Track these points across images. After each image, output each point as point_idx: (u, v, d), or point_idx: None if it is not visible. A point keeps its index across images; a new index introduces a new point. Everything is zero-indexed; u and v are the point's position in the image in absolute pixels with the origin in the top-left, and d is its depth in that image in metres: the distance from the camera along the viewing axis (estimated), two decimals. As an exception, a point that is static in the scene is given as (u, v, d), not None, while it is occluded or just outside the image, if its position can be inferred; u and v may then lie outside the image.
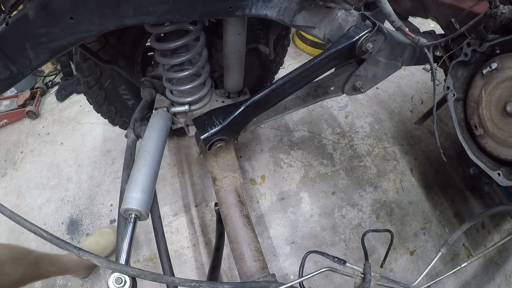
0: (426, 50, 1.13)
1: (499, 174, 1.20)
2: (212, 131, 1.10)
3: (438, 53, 1.37)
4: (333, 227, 1.93)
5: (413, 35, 1.07)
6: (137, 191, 0.95)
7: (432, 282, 1.05)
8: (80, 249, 0.70)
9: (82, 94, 1.94)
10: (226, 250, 1.47)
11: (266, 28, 1.66)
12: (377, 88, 2.73)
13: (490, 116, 1.26)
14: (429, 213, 2.03)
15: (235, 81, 1.50)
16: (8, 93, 2.68)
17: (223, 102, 1.58)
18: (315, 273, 0.81)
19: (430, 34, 1.46)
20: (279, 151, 2.28)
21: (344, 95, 1.38)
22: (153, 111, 1.41)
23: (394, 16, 1.00)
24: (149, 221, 1.01)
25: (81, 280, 1.71)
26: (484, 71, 1.25)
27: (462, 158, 2.23)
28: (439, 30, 1.48)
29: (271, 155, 2.25)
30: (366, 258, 0.90)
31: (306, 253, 0.90)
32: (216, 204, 1.30)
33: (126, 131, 1.31)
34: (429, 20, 1.69)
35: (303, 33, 3.03)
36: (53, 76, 2.96)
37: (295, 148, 2.30)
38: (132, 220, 0.90)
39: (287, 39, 1.91)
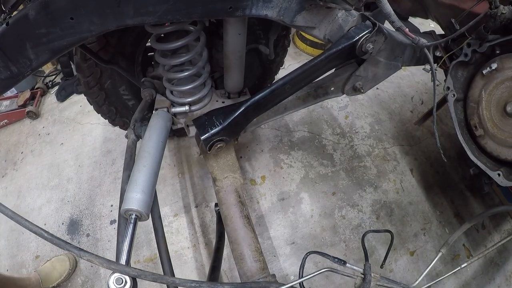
0: (426, 51, 1.13)
1: (499, 175, 1.20)
2: (212, 131, 1.10)
3: (438, 54, 1.36)
4: (333, 227, 1.93)
5: (413, 36, 1.07)
6: (137, 191, 0.96)
7: (432, 283, 1.05)
8: (80, 249, 0.70)
9: (82, 95, 1.95)
10: (226, 251, 1.47)
11: (266, 29, 1.66)
12: (377, 88, 2.73)
13: (490, 116, 1.26)
14: (429, 214, 2.03)
15: (235, 82, 1.50)
16: (9, 93, 2.69)
17: (223, 102, 1.57)
18: (315, 273, 0.81)
19: (430, 34, 1.45)
20: (279, 151, 2.28)
21: (344, 95, 1.38)
22: (153, 111, 1.41)
23: (394, 17, 1.00)
24: (149, 221, 1.01)
25: (82, 280, 1.71)
26: (484, 72, 1.25)
27: (462, 159, 2.23)
28: (439, 30, 1.49)
29: (271, 155, 2.25)
30: (366, 259, 0.90)
31: (306, 253, 0.90)
32: (216, 205, 1.30)
33: (126, 131, 1.31)
34: (429, 20, 1.69)
35: (303, 34, 3.03)
36: (53, 76, 2.97)
37: (295, 149, 2.30)
38: (132, 221, 0.90)
39: (287, 39, 1.91)
